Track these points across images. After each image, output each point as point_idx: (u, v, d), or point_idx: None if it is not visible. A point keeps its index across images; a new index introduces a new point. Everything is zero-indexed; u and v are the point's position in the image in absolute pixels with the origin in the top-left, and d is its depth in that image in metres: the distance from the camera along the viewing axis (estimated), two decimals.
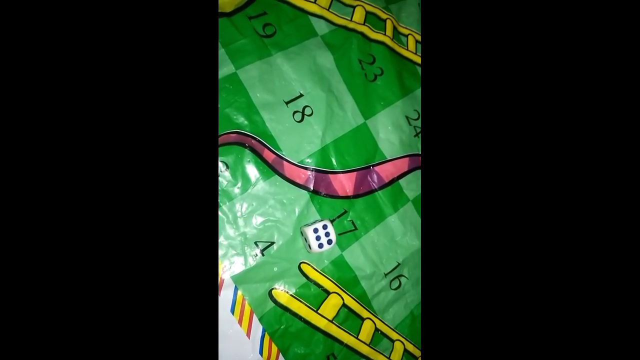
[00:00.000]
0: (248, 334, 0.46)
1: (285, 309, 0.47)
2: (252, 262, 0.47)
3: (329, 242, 0.47)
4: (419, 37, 0.63)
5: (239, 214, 0.47)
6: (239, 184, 0.47)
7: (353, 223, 0.53)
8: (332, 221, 0.50)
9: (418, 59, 0.62)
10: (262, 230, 0.47)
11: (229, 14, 0.48)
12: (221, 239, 0.46)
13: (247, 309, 0.46)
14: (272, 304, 0.47)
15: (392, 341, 0.54)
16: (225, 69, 0.47)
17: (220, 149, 0.46)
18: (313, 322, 0.48)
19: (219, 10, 0.48)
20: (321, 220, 0.48)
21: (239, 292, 0.46)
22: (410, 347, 0.55)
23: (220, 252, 0.45)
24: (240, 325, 0.45)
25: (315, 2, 0.54)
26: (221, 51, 0.47)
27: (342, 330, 0.50)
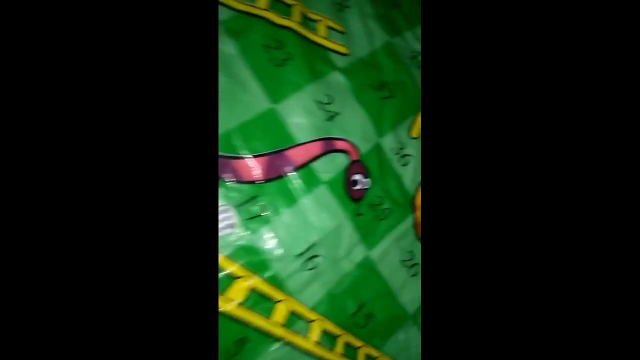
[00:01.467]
0: None
1: None
2: None
3: (230, 226, 0.47)
4: (330, 23, 0.64)
5: None
6: None
7: (264, 208, 0.53)
8: (237, 207, 0.50)
9: (330, 44, 0.63)
10: None
11: None
12: None
13: None
14: None
15: (309, 322, 0.54)
16: None
17: None
18: (226, 309, 0.48)
19: None
20: (221, 206, 0.49)
21: None
22: (329, 326, 0.56)
23: None
24: None
25: None
26: None
27: (253, 313, 0.50)
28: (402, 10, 0.75)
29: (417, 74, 0.72)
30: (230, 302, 0.49)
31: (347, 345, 0.57)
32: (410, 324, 0.64)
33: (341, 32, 0.65)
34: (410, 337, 0.64)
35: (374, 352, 0.60)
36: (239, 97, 0.53)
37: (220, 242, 0.49)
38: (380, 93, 0.67)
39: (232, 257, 0.50)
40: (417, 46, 0.74)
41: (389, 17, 0.72)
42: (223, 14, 0.54)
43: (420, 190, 0.68)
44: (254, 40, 0.55)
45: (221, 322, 0.48)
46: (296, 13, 0.60)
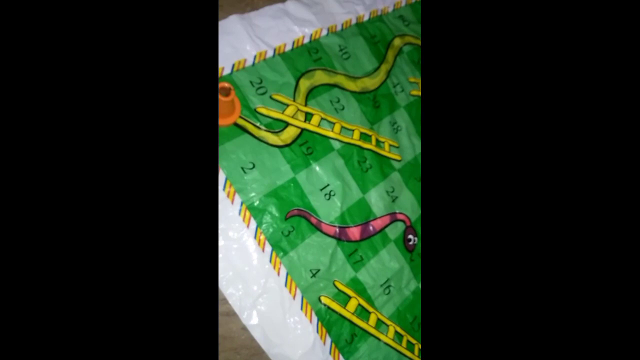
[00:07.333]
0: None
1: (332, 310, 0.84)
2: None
3: None
4: (392, 142, 1.06)
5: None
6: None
7: (361, 256, 0.92)
8: (349, 255, 0.89)
9: (392, 155, 1.05)
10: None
11: (289, 145, 0.90)
12: None
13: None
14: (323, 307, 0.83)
15: (387, 326, 0.91)
16: (289, 174, 0.87)
17: (290, 218, 0.85)
18: (345, 315, 0.85)
19: (283, 143, 0.89)
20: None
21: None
22: (398, 329, 0.92)
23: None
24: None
25: (332, 130, 0.97)
26: (287, 166, 0.88)
27: (359, 319, 0.87)
28: None
29: None
30: (347, 312, 0.86)
31: (408, 342, 0.93)
32: None
33: (396, 147, 1.07)
34: None
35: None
36: (347, 192, 0.94)
37: (340, 276, 0.88)
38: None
39: (348, 285, 0.88)
40: None
41: None
42: (336, 145, 0.96)
43: None
44: (352, 158, 0.97)
45: (343, 323, 0.85)
46: (373, 139, 1.02)
